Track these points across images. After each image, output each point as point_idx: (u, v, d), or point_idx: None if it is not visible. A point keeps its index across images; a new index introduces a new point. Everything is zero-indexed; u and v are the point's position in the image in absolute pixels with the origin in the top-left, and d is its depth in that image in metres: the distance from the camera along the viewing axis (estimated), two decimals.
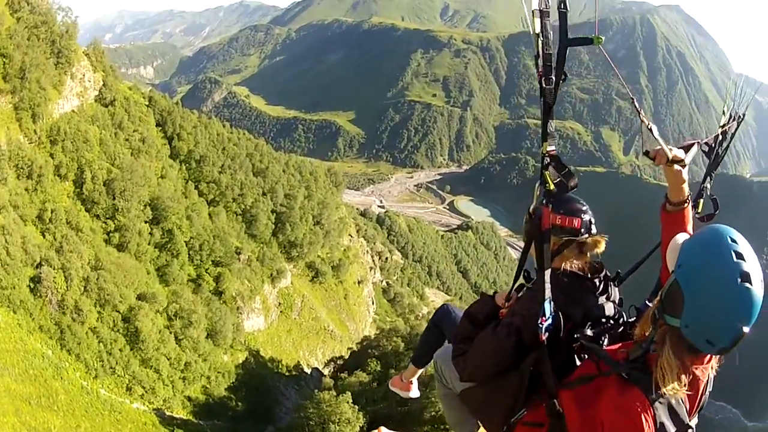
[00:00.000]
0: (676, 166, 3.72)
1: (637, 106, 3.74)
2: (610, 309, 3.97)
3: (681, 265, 3.07)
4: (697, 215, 4.58)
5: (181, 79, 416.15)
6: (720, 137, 4.68)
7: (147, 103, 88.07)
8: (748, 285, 2.89)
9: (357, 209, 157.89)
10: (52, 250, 56.55)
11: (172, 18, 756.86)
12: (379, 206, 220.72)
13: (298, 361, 79.89)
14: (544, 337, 3.61)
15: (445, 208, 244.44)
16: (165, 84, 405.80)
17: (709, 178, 4.79)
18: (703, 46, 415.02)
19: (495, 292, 4.48)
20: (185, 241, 73.49)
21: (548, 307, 3.59)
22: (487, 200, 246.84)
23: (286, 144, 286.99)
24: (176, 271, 70.81)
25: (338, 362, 79.01)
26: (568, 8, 3.41)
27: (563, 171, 3.59)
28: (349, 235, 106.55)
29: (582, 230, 4.07)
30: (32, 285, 53.33)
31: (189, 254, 73.93)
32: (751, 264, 2.94)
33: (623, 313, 4.05)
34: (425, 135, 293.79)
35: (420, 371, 6.12)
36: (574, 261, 4.09)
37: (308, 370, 78.52)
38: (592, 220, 4.15)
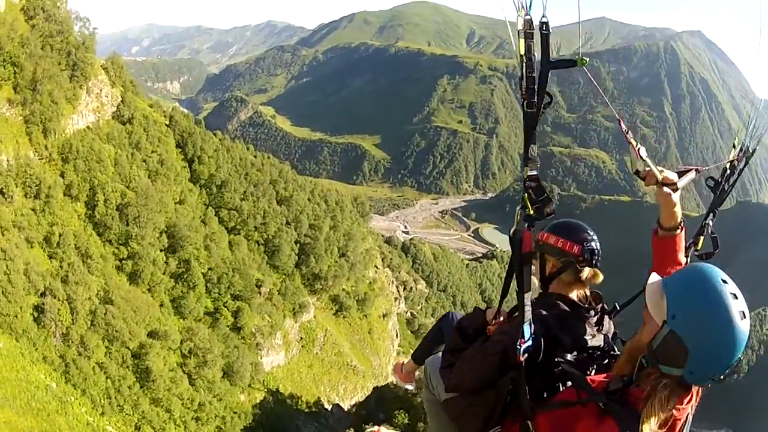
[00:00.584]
0: (666, 189, 3.86)
1: (623, 126, 3.69)
2: (600, 340, 4.11)
3: (675, 317, 2.99)
4: (695, 253, 4.71)
5: (207, 96, 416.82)
6: (728, 171, 4.77)
7: (167, 122, 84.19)
8: (746, 320, 2.94)
9: (382, 236, 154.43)
10: (57, 279, 52.92)
11: (199, 34, 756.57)
12: (403, 232, 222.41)
13: (319, 397, 75.71)
14: (522, 359, 3.62)
15: (469, 235, 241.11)
16: (191, 100, 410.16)
17: (712, 215, 4.81)
18: (725, 72, 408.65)
19: (487, 307, 4.73)
20: (203, 273, 69.38)
21: (527, 330, 3.61)
22: None
23: (311, 166, 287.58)
24: (192, 304, 66.58)
25: (360, 399, 76.00)
26: (550, 30, 3.30)
27: (541, 197, 3.47)
28: (375, 266, 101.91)
29: (581, 257, 4.22)
30: (36, 314, 50.00)
31: (206, 286, 69.73)
32: (742, 298, 2.97)
33: (614, 346, 4.20)
34: (451, 161, 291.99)
35: (419, 368, 6.11)
36: (573, 289, 4.27)
37: (329, 407, 74.48)
38: (596, 251, 4.27)
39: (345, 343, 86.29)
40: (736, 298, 2.91)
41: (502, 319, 4.43)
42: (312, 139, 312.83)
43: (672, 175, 3.84)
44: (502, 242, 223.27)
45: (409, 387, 6.76)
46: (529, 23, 3.19)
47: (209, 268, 70.24)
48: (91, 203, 62.99)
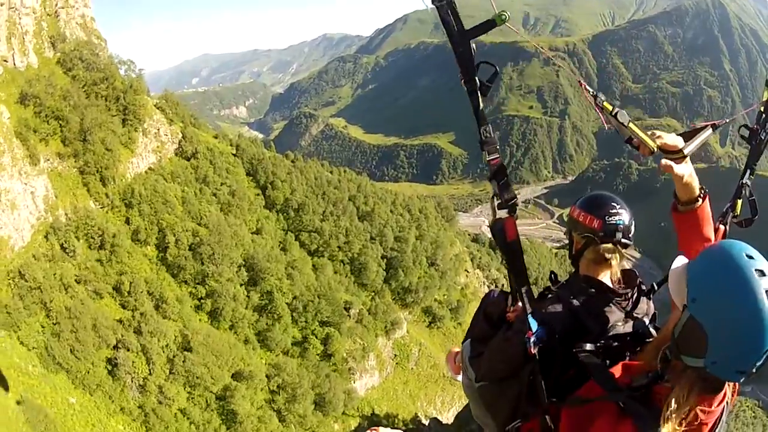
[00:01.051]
0: (667, 160, 3.28)
1: (590, 90, 3.36)
2: (632, 326, 3.64)
3: (695, 300, 2.70)
4: (733, 219, 4.24)
5: (276, 116, 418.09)
6: (764, 116, 4.30)
7: (234, 151, 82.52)
8: None
9: (468, 234, 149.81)
10: (130, 331, 51.81)
11: (257, 58, 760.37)
12: (488, 227, 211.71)
13: (416, 413, 73.47)
14: (534, 351, 3.42)
15: (555, 222, 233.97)
16: (260, 122, 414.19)
17: (749, 172, 4.32)
18: None
19: (509, 292, 4.47)
20: (287, 303, 67.15)
21: (533, 322, 3.44)
22: None
23: (390, 171, 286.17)
24: (278, 336, 64.75)
25: (458, 409, 72.45)
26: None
27: (501, 181, 3.36)
28: (465, 270, 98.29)
29: (602, 232, 3.84)
30: (109, 367, 49.42)
31: (292, 316, 67.59)
32: None
33: (651, 331, 3.62)
34: (527, 149, 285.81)
35: None
36: (602, 269, 3.92)
37: (426, 421, 71.15)
38: (622, 227, 3.85)
39: (440, 354, 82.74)
40: (764, 275, 2.53)
41: (520, 304, 3.71)
42: (387, 144, 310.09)
43: (674, 140, 3.28)
44: None
45: (459, 378, 5.46)
46: None
47: (294, 297, 68.42)
48: (161, 246, 62.09)
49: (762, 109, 4.31)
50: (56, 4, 67.14)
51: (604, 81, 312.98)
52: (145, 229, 61.39)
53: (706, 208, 3.60)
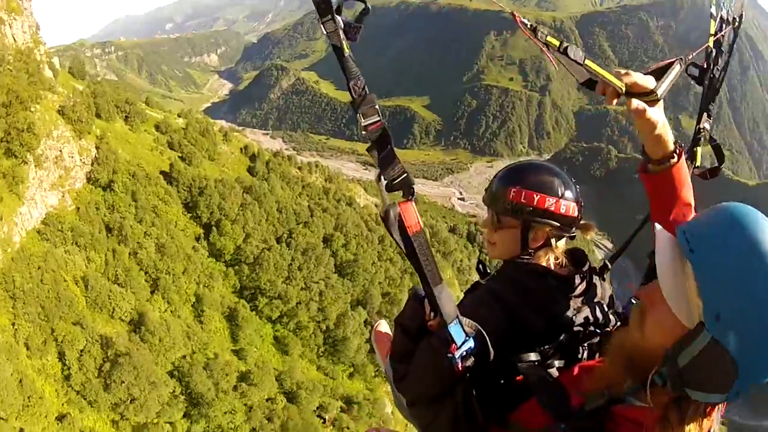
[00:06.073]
0: (638, 103, 2.50)
1: (526, 22, 2.42)
2: (588, 312, 3.04)
3: (722, 318, 1.73)
4: (695, 171, 3.49)
5: (247, 66, 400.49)
6: (713, 51, 3.71)
7: (168, 169, 62.68)
8: None
9: (446, 224, 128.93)
10: None
11: (233, 5, 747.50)
12: (459, 198, 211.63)
13: None
14: (461, 367, 2.53)
15: None
16: (230, 71, 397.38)
17: (706, 114, 3.69)
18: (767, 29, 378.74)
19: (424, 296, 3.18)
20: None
21: (458, 332, 2.50)
22: None
23: (359, 131, 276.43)
24: None
25: None
26: None
27: (383, 153, 2.40)
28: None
29: (560, 215, 3.10)
30: None
31: None
32: None
33: (611, 317, 3.07)
34: (504, 121, 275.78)
35: None
36: (544, 253, 3.19)
37: None
38: (581, 203, 3.20)
39: None
40: None
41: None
42: None
43: (644, 80, 2.50)
44: None
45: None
46: None
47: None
48: (64, 360, 44.11)
49: (711, 43, 3.58)
50: None
51: None
52: (39, 335, 42.73)
53: (682, 166, 2.80)
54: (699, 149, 3.45)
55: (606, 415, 2.07)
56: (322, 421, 57.76)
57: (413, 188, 2.40)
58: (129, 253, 54.16)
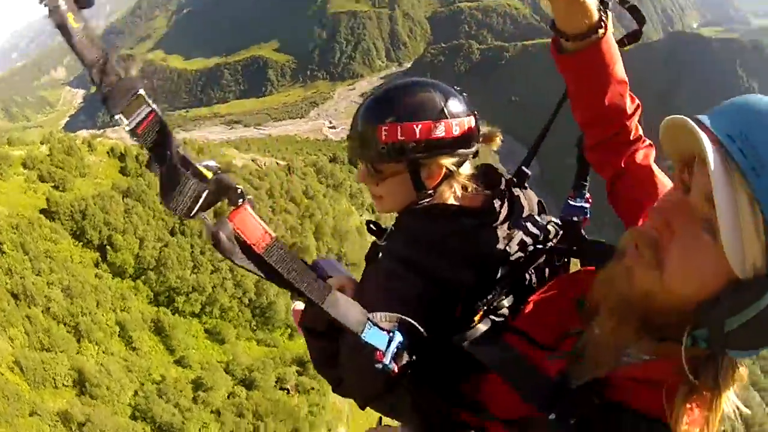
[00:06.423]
0: None
1: None
2: (524, 233, 2.32)
3: None
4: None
5: None
6: None
7: (46, 205, 59.63)
8: None
9: (326, 156, 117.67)
10: None
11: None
12: (329, 128, 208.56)
13: None
14: (397, 369, 1.93)
15: None
16: (80, 78, 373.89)
17: None
18: None
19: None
20: None
21: (379, 337, 1.88)
22: None
23: (217, 93, 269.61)
24: None
25: None
26: None
27: (167, 159, 1.49)
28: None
29: (451, 140, 2.27)
30: None
31: None
32: None
33: (549, 227, 2.36)
34: (357, 43, 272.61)
35: None
36: (447, 187, 2.38)
37: None
38: (477, 121, 2.37)
39: None
40: None
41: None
42: (208, 67, 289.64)
43: None
44: None
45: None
46: None
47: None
48: None
49: None
50: None
51: None
52: None
53: (610, 37, 2.04)
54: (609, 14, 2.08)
55: (605, 383, 1.54)
56: (287, 392, 55.10)
57: (240, 189, 1.60)
58: (42, 312, 49.38)
